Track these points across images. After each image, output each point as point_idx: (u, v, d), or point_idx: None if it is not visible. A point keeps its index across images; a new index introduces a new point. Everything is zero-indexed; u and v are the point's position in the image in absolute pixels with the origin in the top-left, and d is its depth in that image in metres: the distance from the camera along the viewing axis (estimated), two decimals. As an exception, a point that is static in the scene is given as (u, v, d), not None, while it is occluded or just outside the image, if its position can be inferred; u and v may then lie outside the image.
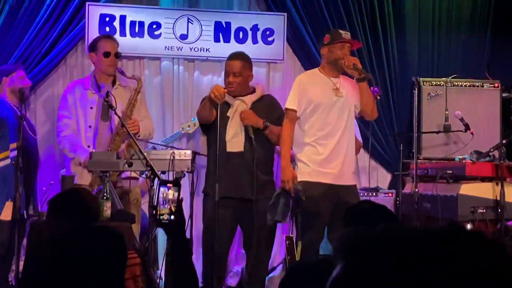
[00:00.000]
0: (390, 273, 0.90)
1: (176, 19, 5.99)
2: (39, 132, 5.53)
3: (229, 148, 4.78)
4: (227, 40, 6.04)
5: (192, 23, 6.01)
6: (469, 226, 4.92)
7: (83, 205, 2.97)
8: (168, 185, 2.27)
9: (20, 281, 4.27)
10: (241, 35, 6.06)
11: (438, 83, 5.95)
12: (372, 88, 4.96)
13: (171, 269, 2.33)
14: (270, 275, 5.42)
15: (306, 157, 4.66)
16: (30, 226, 4.32)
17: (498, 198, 4.97)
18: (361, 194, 5.21)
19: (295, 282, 2.12)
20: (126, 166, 4.42)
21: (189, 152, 4.54)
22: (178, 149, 4.86)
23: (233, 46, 5.90)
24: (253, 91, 4.98)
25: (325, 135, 4.65)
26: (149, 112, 5.32)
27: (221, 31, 6.04)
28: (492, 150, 5.12)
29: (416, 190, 5.12)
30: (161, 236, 5.20)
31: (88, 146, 4.84)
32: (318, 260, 2.07)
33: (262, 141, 4.83)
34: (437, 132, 5.73)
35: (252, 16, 6.14)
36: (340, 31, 4.87)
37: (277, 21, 6.08)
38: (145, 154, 4.38)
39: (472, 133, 5.54)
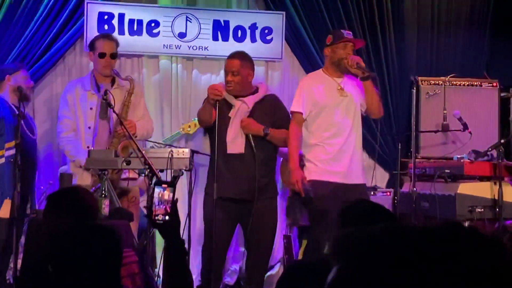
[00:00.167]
0: (387, 275, 0.89)
1: (175, 17, 5.98)
2: (37, 130, 5.52)
3: (230, 150, 4.75)
4: (225, 38, 6.04)
5: (190, 22, 6.01)
6: (467, 225, 4.93)
7: (81, 203, 2.97)
8: (163, 185, 2.27)
9: (18, 279, 4.27)
10: (239, 34, 6.05)
11: (437, 82, 5.95)
12: None
13: (165, 270, 2.33)
14: (268, 273, 5.42)
15: (314, 157, 4.70)
16: (28, 224, 4.32)
17: (496, 198, 4.97)
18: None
19: (292, 281, 2.12)
20: (125, 164, 4.42)
21: (187, 150, 4.55)
22: (176, 147, 4.86)
23: (232, 45, 5.90)
24: (256, 90, 4.94)
25: (332, 135, 4.69)
26: (148, 110, 5.31)
27: (220, 30, 6.04)
28: (490, 149, 5.12)
29: (414, 189, 5.13)
30: (159, 235, 5.19)
31: (88, 147, 4.83)
32: (316, 260, 2.07)
33: (263, 143, 4.81)
34: (436, 131, 5.73)
35: (251, 15, 6.13)
36: (342, 30, 4.89)
37: (275, 20, 6.08)
38: (143, 152, 4.38)
39: (470, 133, 5.54)
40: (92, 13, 5.84)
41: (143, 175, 4.46)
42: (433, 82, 5.96)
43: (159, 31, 5.97)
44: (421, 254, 0.90)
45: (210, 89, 4.72)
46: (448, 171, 5.21)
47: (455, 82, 5.95)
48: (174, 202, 2.26)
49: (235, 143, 4.75)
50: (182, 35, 5.99)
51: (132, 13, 5.95)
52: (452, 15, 6.46)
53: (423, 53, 6.40)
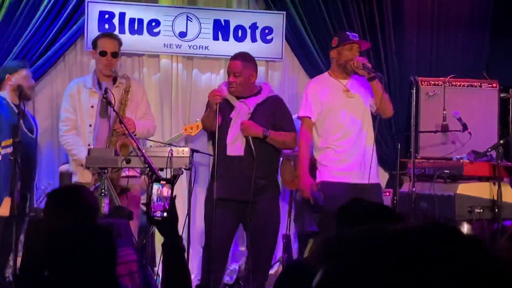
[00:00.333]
0: (374, 277, 0.89)
1: (175, 16, 5.99)
2: (38, 129, 5.51)
3: (229, 152, 4.74)
4: (226, 38, 6.04)
5: (191, 21, 6.01)
6: (466, 226, 4.94)
7: (81, 201, 2.98)
8: (162, 182, 2.28)
9: (17, 277, 4.27)
10: (240, 34, 6.06)
11: (437, 82, 5.95)
12: None
13: (164, 267, 2.33)
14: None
15: (325, 159, 4.75)
16: (28, 222, 4.33)
17: (495, 198, 4.97)
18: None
19: (291, 281, 2.13)
20: (124, 162, 4.43)
21: (187, 149, 4.55)
22: (176, 146, 4.86)
23: (232, 44, 5.91)
24: (259, 91, 4.93)
25: (340, 137, 4.73)
26: (150, 109, 5.30)
27: (220, 29, 6.04)
28: (489, 150, 5.12)
29: (414, 189, 5.13)
30: (159, 233, 5.20)
31: (89, 145, 4.83)
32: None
33: (264, 146, 4.80)
34: (435, 132, 5.74)
35: (251, 15, 6.14)
36: (348, 32, 4.91)
37: (276, 20, 6.09)
38: (143, 151, 4.39)
39: (470, 133, 5.54)
40: (92, 12, 5.85)
41: (144, 174, 4.47)
42: (433, 82, 5.96)
43: (159, 30, 5.98)
44: (405, 257, 0.89)
45: (210, 94, 4.74)
46: (448, 171, 5.21)
47: (455, 83, 5.95)
48: (172, 199, 2.27)
49: (235, 145, 4.75)
50: (182, 35, 6.00)
51: (132, 12, 5.95)
52: (452, 16, 6.47)
53: (423, 53, 6.40)
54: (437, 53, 6.42)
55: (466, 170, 5.15)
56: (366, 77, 4.74)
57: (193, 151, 4.66)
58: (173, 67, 6.08)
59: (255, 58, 5.10)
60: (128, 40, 5.83)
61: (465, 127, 5.56)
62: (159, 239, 5.27)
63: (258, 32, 6.07)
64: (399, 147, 5.40)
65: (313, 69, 6.13)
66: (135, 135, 4.75)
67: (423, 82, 5.94)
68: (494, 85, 6.00)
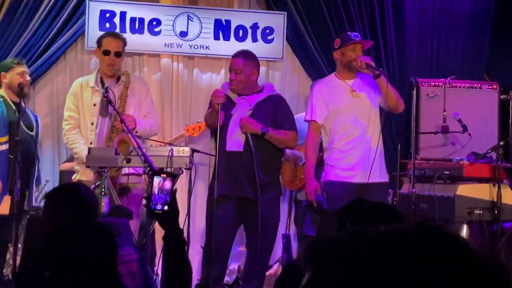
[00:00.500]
0: (362, 279, 0.89)
1: (176, 16, 5.99)
2: (39, 127, 5.50)
3: (229, 147, 4.77)
4: (227, 38, 6.05)
5: (192, 21, 6.01)
6: (465, 228, 4.94)
7: (82, 200, 2.97)
8: (162, 175, 2.27)
9: (17, 276, 4.28)
10: (241, 33, 6.06)
11: (437, 84, 5.95)
12: None
13: (164, 261, 2.32)
14: (267, 273, 5.42)
15: (331, 159, 4.79)
16: (28, 221, 4.32)
17: (495, 200, 4.97)
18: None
19: (291, 281, 2.13)
20: (125, 162, 4.43)
21: (187, 149, 4.55)
22: (176, 145, 4.86)
23: (233, 44, 5.91)
24: (261, 90, 4.94)
25: (346, 137, 4.77)
26: (154, 107, 5.29)
27: (221, 29, 6.05)
28: (489, 151, 5.12)
29: (413, 190, 5.13)
30: (159, 233, 5.20)
31: (91, 143, 4.83)
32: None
33: (264, 143, 4.80)
34: (435, 133, 5.73)
35: (252, 15, 6.15)
36: (349, 33, 4.93)
37: (277, 20, 6.09)
38: (143, 149, 4.38)
39: (470, 134, 5.54)
40: (93, 11, 5.85)
41: (144, 174, 4.47)
42: (433, 84, 5.96)
43: (160, 30, 5.98)
44: (396, 260, 0.90)
45: (212, 95, 4.75)
46: (447, 172, 5.20)
47: (455, 84, 5.95)
48: (173, 192, 2.26)
49: (235, 141, 4.77)
50: (183, 34, 6.00)
51: (133, 11, 5.96)
52: (452, 18, 6.47)
53: (424, 54, 6.41)
54: (437, 55, 6.43)
55: (466, 171, 5.14)
56: (372, 76, 4.76)
57: (193, 151, 4.66)
58: (174, 66, 6.08)
59: (256, 58, 5.09)
60: (129, 39, 5.79)
61: (465, 129, 5.55)
62: (159, 239, 5.28)
63: (259, 32, 6.07)
64: (399, 148, 5.39)
65: (313, 69, 6.14)
66: (136, 132, 4.74)
67: (423, 83, 5.93)
68: (495, 86, 5.99)
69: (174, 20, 5.99)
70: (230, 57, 5.05)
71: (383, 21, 6.24)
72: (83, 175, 4.85)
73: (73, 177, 5.01)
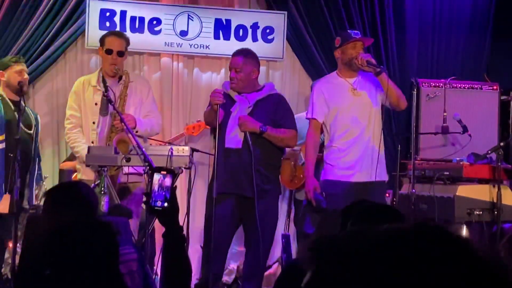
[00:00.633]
0: (362, 279, 0.89)
1: (177, 15, 5.99)
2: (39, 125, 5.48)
3: (228, 144, 4.77)
4: (227, 37, 6.04)
5: (192, 20, 6.01)
6: (464, 229, 4.94)
7: (82, 198, 2.97)
8: (162, 172, 2.26)
9: (16, 275, 4.27)
10: (241, 33, 6.06)
11: (437, 84, 5.95)
12: None
13: (163, 258, 2.32)
14: (266, 273, 5.42)
15: (330, 158, 4.79)
16: (27, 219, 4.32)
17: (495, 200, 4.97)
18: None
19: (291, 281, 2.12)
20: (124, 161, 4.42)
21: (187, 148, 4.54)
22: (176, 145, 4.86)
23: (233, 44, 5.91)
24: (261, 88, 4.94)
25: (346, 135, 4.77)
26: (156, 106, 5.28)
27: (221, 28, 6.04)
28: (489, 152, 5.12)
29: (413, 190, 5.13)
30: (158, 232, 5.20)
31: (92, 142, 4.83)
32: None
33: (263, 141, 4.79)
34: (435, 134, 5.73)
35: (253, 14, 6.14)
36: (349, 31, 4.93)
37: (277, 20, 6.09)
38: (143, 148, 4.38)
39: (470, 135, 5.54)
40: (94, 9, 5.85)
41: (145, 173, 4.46)
42: (433, 84, 5.96)
43: (160, 29, 5.98)
44: (405, 258, 0.89)
45: (211, 95, 4.74)
46: (447, 173, 5.20)
47: (455, 85, 5.95)
48: (173, 189, 2.25)
49: (233, 138, 4.77)
50: (183, 33, 6.00)
51: (134, 10, 5.95)
52: (453, 18, 6.47)
53: (424, 55, 6.40)
54: (438, 55, 6.42)
55: (466, 172, 5.14)
56: (373, 73, 4.76)
57: (193, 150, 4.65)
58: (174, 66, 6.08)
59: (256, 58, 5.09)
60: (129, 38, 5.82)
61: (465, 129, 5.55)
62: (158, 238, 5.28)
63: (259, 31, 6.07)
64: (399, 148, 5.39)
65: (313, 69, 6.14)
66: (136, 132, 4.73)
67: (423, 84, 5.93)
68: (495, 87, 5.99)
69: (174, 20, 5.98)
70: (230, 56, 5.04)
71: (383, 21, 6.24)
72: (84, 174, 4.84)
73: (73, 176, 5.01)
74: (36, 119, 5.26)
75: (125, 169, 4.78)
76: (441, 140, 5.84)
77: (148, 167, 4.31)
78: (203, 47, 6.03)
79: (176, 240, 2.30)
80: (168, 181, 2.23)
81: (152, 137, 5.23)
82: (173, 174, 2.26)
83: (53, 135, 5.92)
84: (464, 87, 5.98)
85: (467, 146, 5.54)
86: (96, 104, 4.91)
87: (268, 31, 6.08)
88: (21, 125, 4.96)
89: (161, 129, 5.39)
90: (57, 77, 5.99)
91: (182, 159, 4.47)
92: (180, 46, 6.01)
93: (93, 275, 1.91)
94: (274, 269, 5.81)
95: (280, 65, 6.23)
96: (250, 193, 4.72)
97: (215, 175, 4.66)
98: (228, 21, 6.05)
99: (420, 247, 0.90)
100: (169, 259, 2.30)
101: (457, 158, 5.41)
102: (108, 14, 5.89)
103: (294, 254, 5.45)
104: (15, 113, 5.01)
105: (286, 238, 5.49)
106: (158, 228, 5.07)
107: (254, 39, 6.06)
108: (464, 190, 5.06)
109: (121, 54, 4.99)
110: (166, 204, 2.23)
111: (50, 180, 5.51)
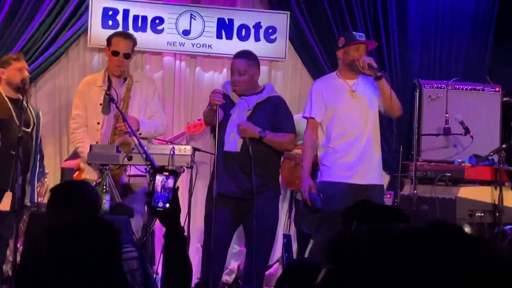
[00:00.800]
0: (378, 275, 0.89)
1: (179, 14, 5.99)
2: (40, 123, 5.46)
3: (226, 148, 4.75)
4: (229, 37, 6.04)
5: (195, 19, 6.01)
6: (467, 229, 4.93)
7: (84, 197, 2.97)
8: (164, 173, 2.26)
9: (17, 272, 4.27)
10: (243, 33, 6.06)
11: (439, 86, 5.95)
12: None
13: (164, 258, 2.32)
14: (266, 273, 5.42)
15: (327, 159, 4.75)
16: (29, 217, 4.31)
17: (497, 202, 4.98)
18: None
19: (292, 281, 2.13)
20: (126, 159, 4.42)
21: (189, 147, 4.54)
22: (177, 144, 4.86)
23: (235, 43, 5.91)
24: (261, 90, 4.91)
25: (343, 137, 4.72)
26: (161, 107, 5.26)
27: (224, 28, 6.04)
28: (491, 154, 5.12)
29: (415, 192, 5.13)
30: (158, 232, 5.20)
31: (96, 143, 4.82)
32: (315, 259, 2.07)
33: (261, 143, 4.79)
34: (437, 135, 5.74)
35: (255, 14, 6.14)
36: (354, 32, 4.91)
37: (280, 20, 6.09)
38: (145, 148, 4.37)
39: (472, 137, 5.54)
40: (96, 8, 5.84)
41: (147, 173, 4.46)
42: (435, 85, 5.96)
43: (163, 28, 5.97)
44: (417, 256, 0.90)
45: (211, 95, 4.72)
46: (449, 174, 5.21)
47: (457, 86, 5.95)
48: (175, 190, 2.25)
49: (232, 141, 4.75)
50: (186, 33, 6.00)
51: (136, 9, 5.95)
52: (456, 19, 6.46)
53: (427, 56, 6.40)
54: (440, 57, 6.42)
55: (468, 173, 5.15)
56: (373, 77, 4.73)
57: (194, 149, 4.65)
58: (176, 65, 6.08)
59: (258, 58, 5.09)
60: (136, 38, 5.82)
61: (467, 131, 5.55)
62: (158, 238, 5.28)
63: (261, 31, 6.07)
64: (401, 149, 5.40)
65: (316, 69, 6.13)
66: (140, 134, 4.72)
67: (426, 85, 5.94)
68: (497, 89, 6.00)
69: (177, 19, 5.98)
70: (232, 56, 5.03)
71: (386, 23, 6.23)
72: (88, 173, 4.84)
73: (75, 175, 5.00)
74: (37, 115, 5.20)
75: (128, 171, 4.78)
76: (443, 142, 5.84)
77: (150, 166, 4.31)
78: (205, 46, 6.03)
79: (177, 241, 2.30)
80: (170, 182, 2.24)
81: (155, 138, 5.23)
82: (176, 174, 2.26)
83: (54, 133, 5.92)
84: (466, 89, 5.98)
85: (469, 148, 5.54)
86: (100, 104, 4.90)
87: (270, 31, 6.08)
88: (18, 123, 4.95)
89: (165, 130, 5.38)
90: (59, 76, 5.99)
91: (184, 158, 4.47)
92: (183, 45, 6.01)
93: (95, 274, 1.91)
94: (274, 269, 5.81)
95: (282, 65, 6.23)
96: (248, 195, 4.71)
97: (215, 175, 4.66)
98: (231, 21, 6.05)
99: (420, 247, 0.90)
100: (170, 259, 2.30)
101: (459, 160, 5.41)
102: (110, 12, 5.89)
103: (294, 254, 5.46)
104: (12, 111, 4.98)
105: (287, 238, 5.50)
106: (159, 228, 5.08)
107: (257, 39, 6.06)
108: (465, 192, 5.06)
109: (127, 56, 4.98)
110: (168, 205, 2.23)
111: (51, 178, 5.51)
